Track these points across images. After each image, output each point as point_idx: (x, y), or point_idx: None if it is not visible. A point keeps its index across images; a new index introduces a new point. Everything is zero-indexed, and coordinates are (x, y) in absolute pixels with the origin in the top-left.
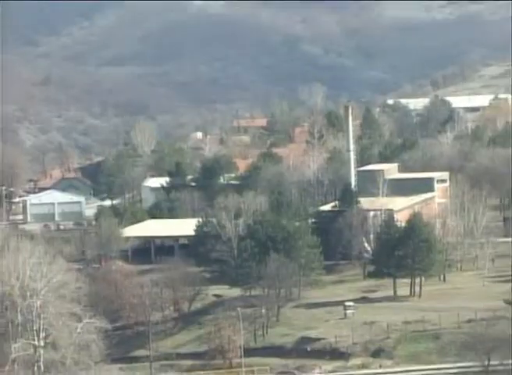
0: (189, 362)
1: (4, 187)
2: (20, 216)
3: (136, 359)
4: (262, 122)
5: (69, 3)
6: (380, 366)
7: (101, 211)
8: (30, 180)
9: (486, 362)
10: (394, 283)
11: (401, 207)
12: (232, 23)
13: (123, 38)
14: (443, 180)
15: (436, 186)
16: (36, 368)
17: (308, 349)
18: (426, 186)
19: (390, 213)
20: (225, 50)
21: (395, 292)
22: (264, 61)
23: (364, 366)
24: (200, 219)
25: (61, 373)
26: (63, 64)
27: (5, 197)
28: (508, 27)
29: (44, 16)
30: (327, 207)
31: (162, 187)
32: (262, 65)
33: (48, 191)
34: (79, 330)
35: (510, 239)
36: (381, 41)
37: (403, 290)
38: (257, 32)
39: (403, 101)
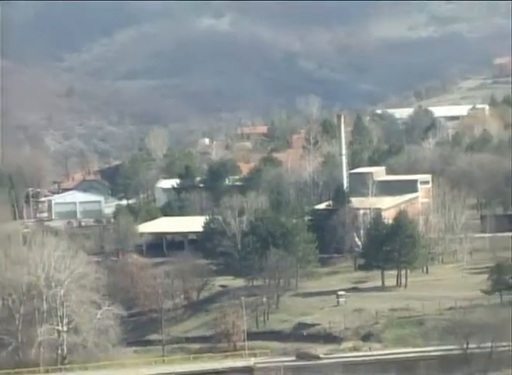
0: (197, 346)
1: (31, 188)
2: (46, 214)
3: (149, 343)
4: (263, 129)
5: (90, 22)
6: (369, 349)
7: (118, 209)
8: (55, 182)
9: (465, 346)
10: (382, 274)
11: (388, 206)
12: (236, 40)
13: (138, 54)
14: (426, 182)
15: (420, 187)
16: (59, 350)
17: (304, 334)
18: (410, 187)
19: (378, 212)
20: (229, 64)
21: (383, 283)
22: (265, 74)
23: (355, 349)
24: (208, 217)
25: (82, 355)
26: (84, 78)
27: (32, 197)
28: (484, 44)
29: (68, 34)
30: (322, 206)
31: (173, 187)
32: (263, 78)
33: (71, 192)
34: (98, 317)
35: (486, 235)
36: (370, 57)
37: (390, 281)
38: (259, 48)
39: (390, 110)
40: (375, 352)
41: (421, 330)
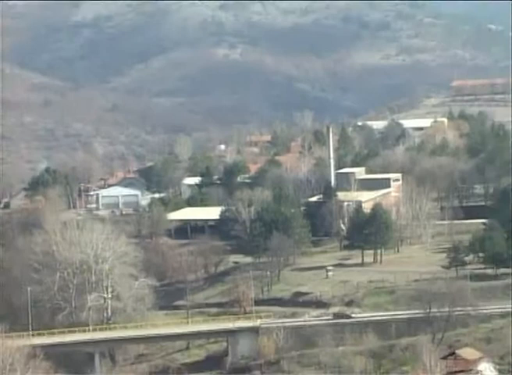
0: (214, 310)
1: (82, 184)
2: (94, 205)
3: (177, 307)
4: (267, 137)
5: (130, 50)
6: (352, 313)
7: (152, 201)
8: (101, 179)
9: (428, 310)
10: (362, 253)
11: (367, 199)
12: (246, 67)
13: (168, 77)
14: (397, 180)
15: (392, 184)
16: (105, 313)
17: (300, 300)
18: (384, 184)
19: (359, 203)
20: (241, 86)
21: (362, 260)
22: (269, 94)
23: (339, 313)
24: (223, 207)
25: (123, 317)
26: (125, 96)
27: (84, 191)
28: (443, 70)
29: (113, 61)
30: (314, 199)
31: (196, 184)
32: (268, 96)
33: (114, 187)
34: (136, 287)
35: (445, 222)
36: (352, 80)
37: (369, 258)
38: (264, 73)
39: (369, 123)
40: (357, 316)
41: (392, 298)
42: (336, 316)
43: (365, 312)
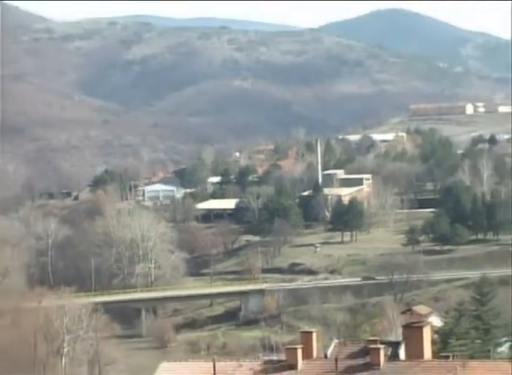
0: (231, 276)
1: (132, 182)
2: (141, 198)
3: (203, 274)
4: (271, 147)
5: (167, 80)
6: (335, 279)
7: (184, 195)
8: (146, 178)
9: (391, 277)
10: (342, 234)
11: (345, 193)
12: (255, 94)
13: (196, 101)
14: (368, 179)
15: (364, 182)
16: (149, 279)
17: (295, 269)
18: (358, 182)
19: (339, 197)
20: (251, 108)
21: (342, 239)
22: (272, 114)
23: (326, 279)
24: (238, 199)
25: (162, 282)
26: (165, 116)
27: (133, 187)
28: (404, 97)
29: (154, 88)
30: (306, 193)
31: (217, 182)
32: (271, 116)
33: (156, 184)
34: (172, 259)
35: (404, 211)
36: (335, 104)
37: (346, 238)
38: (268, 99)
39: (347, 136)
40: (338, 281)
41: (364, 267)
42: (364, 278)
43: (345, 277)
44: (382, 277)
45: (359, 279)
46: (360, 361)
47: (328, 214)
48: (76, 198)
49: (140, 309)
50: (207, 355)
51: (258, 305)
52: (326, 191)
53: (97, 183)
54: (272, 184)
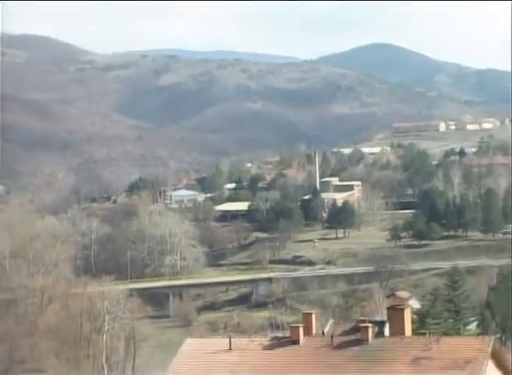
0: (243, 267)
1: (162, 187)
2: (168, 201)
3: (220, 265)
4: (277, 159)
5: (191, 104)
6: (331, 269)
7: (205, 199)
8: (173, 185)
9: (377, 267)
10: (336, 231)
11: (339, 197)
12: (264, 114)
13: (215, 121)
14: (358, 185)
15: (355, 188)
16: (175, 269)
17: (297, 261)
18: (350, 188)
19: (334, 200)
20: (260, 126)
21: (336, 235)
22: (278, 131)
23: (323, 268)
24: (250, 202)
25: (186, 271)
26: (189, 133)
27: (162, 192)
28: (388, 117)
29: (180, 109)
30: (306, 197)
31: (232, 188)
32: (277, 133)
33: (181, 190)
34: (194, 252)
35: (388, 212)
36: (331, 123)
37: (340, 234)
38: (275, 118)
39: (341, 149)
40: (333, 270)
41: (355, 259)
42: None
43: (338, 268)
44: (370, 267)
45: (350, 268)
46: (352, 337)
47: (324, 214)
48: (114, 201)
49: (168, 294)
50: (224, 332)
51: (267, 290)
52: (323, 195)
53: (132, 189)
54: (278, 190)
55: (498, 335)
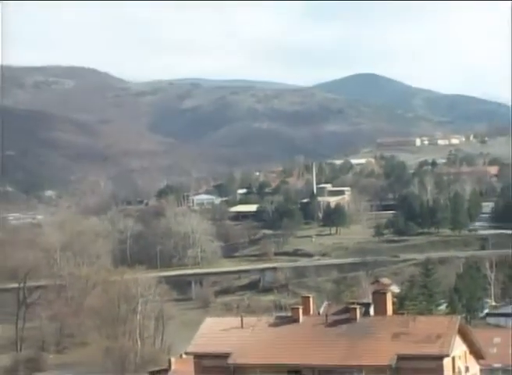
0: (253, 258)
1: (185, 193)
2: (191, 204)
3: (233, 257)
4: (280, 168)
5: (210, 124)
6: (325, 260)
7: (220, 202)
8: (195, 190)
9: (364, 258)
10: (330, 229)
11: (332, 200)
12: (269, 133)
13: (229, 138)
14: (348, 191)
15: (345, 193)
16: (197, 260)
17: (298, 253)
18: (341, 193)
19: (329, 203)
20: (266, 142)
21: (330, 232)
22: (281, 146)
23: (318, 259)
24: (258, 205)
25: (206, 262)
26: (207, 147)
27: (185, 196)
28: (373, 134)
29: (201, 129)
30: (305, 200)
31: (244, 193)
32: (280, 147)
33: (202, 195)
34: (212, 246)
35: (373, 212)
36: (324, 139)
37: (333, 231)
38: (279, 136)
39: (333, 161)
40: (327, 261)
41: (346, 252)
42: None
43: (333, 259)
44: (358, 259)
45: (342, 260)
46: (343, 316)
47: (320, 215)
48: (146, 204)
49: (190, 281)
50: (236, 312)
51: (272, 278)
52: (319, 198)
53: (161, 194)
54: (281, 194)
55: (463, 315)
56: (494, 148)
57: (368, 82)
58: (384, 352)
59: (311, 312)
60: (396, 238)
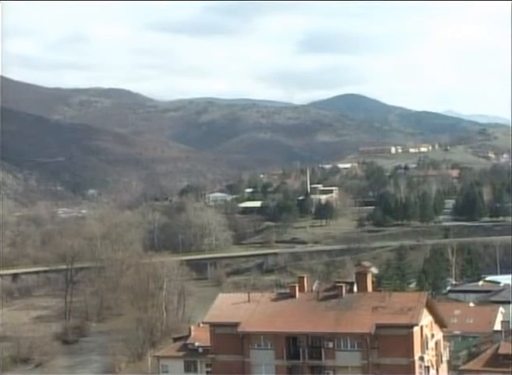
0: (258, 245)
1: (202, 191)
2: (207, 201)
3: (242, 244)
4: (281, 172)
5: (223, 135)
6: (317, 247)
7: (231, 199)
8: (210, 189)
9: (349, 245)
10: (321, 221)
11: (323, 198)
12: (271, 142)
13: (238, 146)
14: (335, 190)
15: (334, 192)
16: (211, 246)
17: (295, 241)
18: (330, 191)
19: (320, 199)
20: (268, 150)
21: (321, 223)
22: (281, 153)
23: (311, 246)
24: (262, 201)
25: (219, 248)
26: (221, 154)
27: (203, 194)
28: (356, 143)
29: (215, 138)
30: (301, 198)
31: (250, 191)
32: (280, 155)
33: (216, 193)
34: (225, 235)
35: (357, 208)
36: (317, 148)
37: (324, 223)
38: (279, 145)
39: (324, 166)
40: (319, 247)
41: (334, 240)
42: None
43: (323, 245)
44: (344, 246)
45: (331, 246)
46: (331, 293)
47: (313, 209)
48: (170, 201)
49: (206, 263)
50: (244, 289)
51: (274, 261)
52: (312, 196)
53: (182, 192)
54: (281, 193)
55: (430, 291)
56: (455, 155)
57: (352, 101)
58: (365, 322)
59: (306, 289)
60: (375, 229)
